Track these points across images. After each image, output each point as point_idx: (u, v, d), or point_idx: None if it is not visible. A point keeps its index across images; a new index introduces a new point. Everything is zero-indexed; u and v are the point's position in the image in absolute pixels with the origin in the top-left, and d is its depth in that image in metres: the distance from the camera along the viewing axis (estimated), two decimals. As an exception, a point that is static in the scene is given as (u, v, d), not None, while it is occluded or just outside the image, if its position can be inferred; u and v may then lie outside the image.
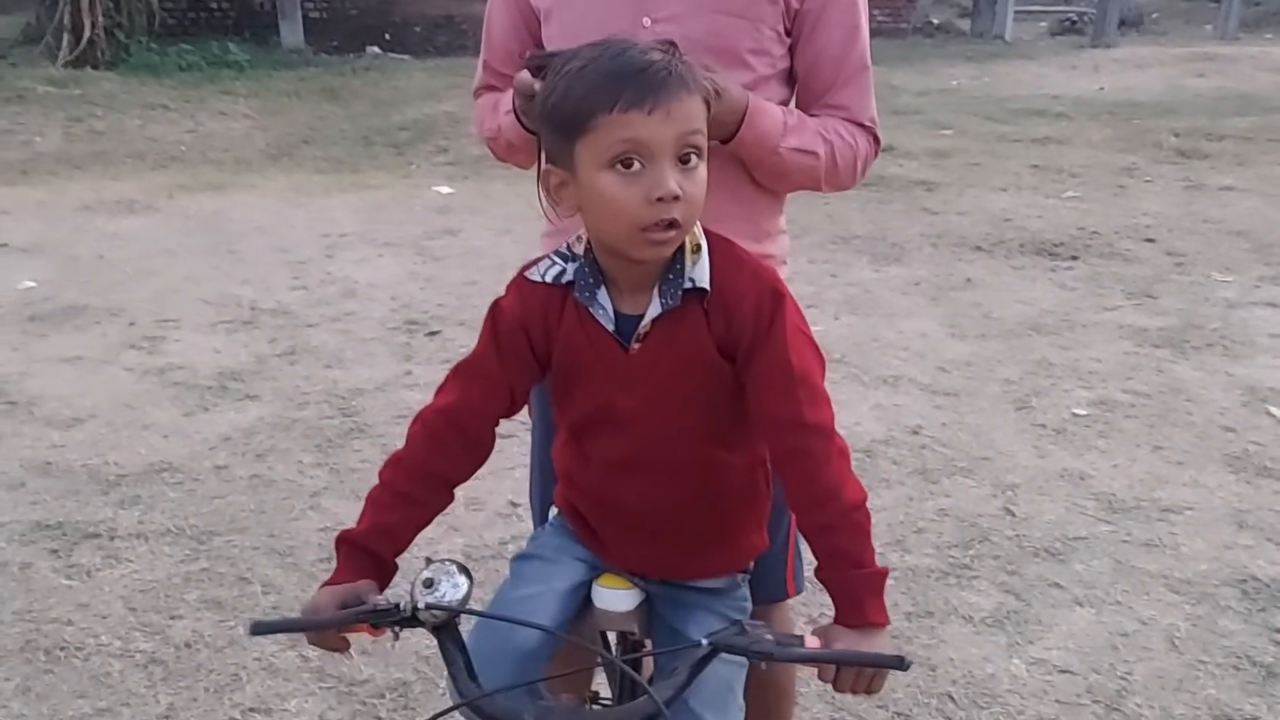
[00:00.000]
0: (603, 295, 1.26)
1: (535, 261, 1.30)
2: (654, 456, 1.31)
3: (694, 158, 1.15)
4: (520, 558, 1.47)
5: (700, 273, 1.23)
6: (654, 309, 1.24)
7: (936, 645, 2.53)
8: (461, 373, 1.32)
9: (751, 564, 1.46)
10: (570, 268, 1.27)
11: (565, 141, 1.15)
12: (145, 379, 4.04)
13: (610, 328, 1.26)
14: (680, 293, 1.23)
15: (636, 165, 1.12)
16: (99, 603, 2.66)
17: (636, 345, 1.26)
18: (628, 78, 1.11)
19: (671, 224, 1.15)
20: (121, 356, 4.24)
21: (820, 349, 1.29)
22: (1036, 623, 2.62)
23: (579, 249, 1.27)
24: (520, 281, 1.30)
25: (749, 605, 1.46)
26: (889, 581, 2.84)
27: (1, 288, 4.99)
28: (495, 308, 1.31)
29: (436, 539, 2.91)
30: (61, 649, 2.48)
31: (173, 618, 2.61)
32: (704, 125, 1.17)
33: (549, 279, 1.27)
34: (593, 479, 1.38)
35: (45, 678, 2.39)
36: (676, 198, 1.13)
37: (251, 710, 2.31)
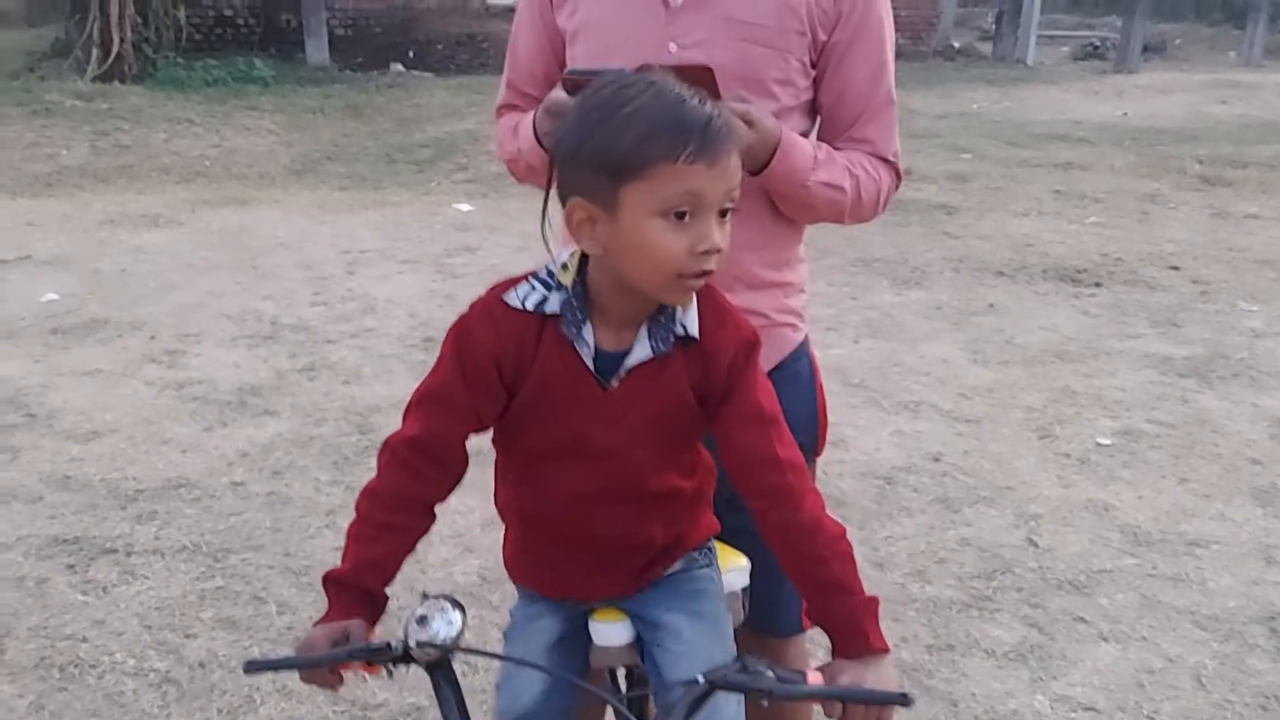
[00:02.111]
0: (588, 331, 1.23)
1: (511, 284, 1.25)
2: (619, 487, 1.30)
3: (730, 210, 1.16)
4: (504, 637, 1.45)
5: (691, 320, 1.24)
6: (642, 352, 1.23)
7: (958, 679, 2.49)
8: (426, 402, 1.27)
9: (711, 540, 1.45)
10: (554, 297, 1.23)
11: (609, 181, 1.12)
12: (165, 393, 4.04)
13: (591, 366, 1.24)
14: (672, 339, 1.23)
15: (687, 217, 1.12)
16: (114, 619, 2.65)
17: (616, 384, 1.24)
18: (692, 129, 1.10)
19: (706, 272, 1.16)
20: (142, 370, 4.25)
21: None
22: (1060, 658, 2.58)
23: (565, 279, 1.23)
24: (495, 306, 1.24)
25: (714, 579, 1.43)
26: (909, 613, 2.78)
27: (24, 300, 5.02)
28: (463, 333, 1.25)
29: (452, 560, 2.90)
30: (76, 666, 2.47)
31: (187, 636, 2.60)
32: (740, 179, 1.17)
33: (529, 306, 1.23)
34: (553, 509, 1.34)
35: (59, 695, 2.38)
36: (719, 250, 1.14)
37: (264, 732, 2.29)
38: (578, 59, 1.57)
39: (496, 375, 1.24)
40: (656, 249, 1.13)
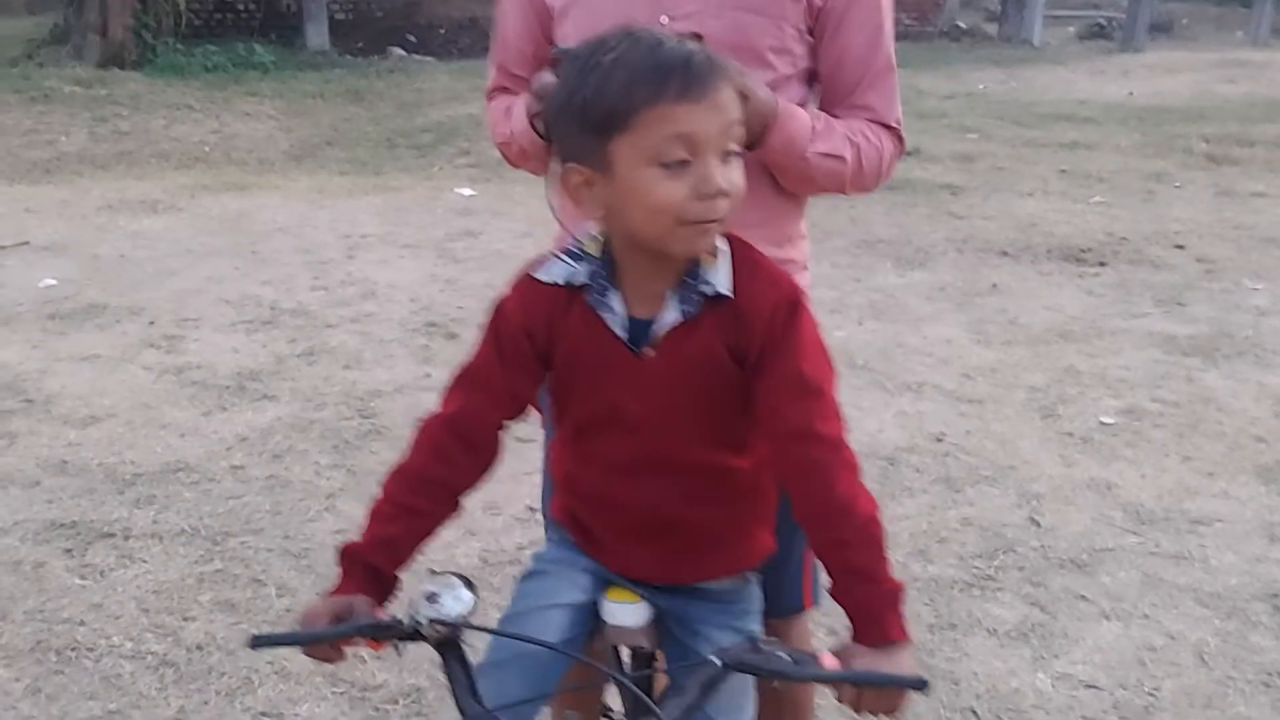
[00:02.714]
0: (616, 300, 1.21)
1: (543, 260, 1.26)
2: (659, 459, 1.27)
3: (735, 150, 1.12)
4: (525, 575, 1.43)
5: (720, 278, 1.19)
6: (671, 316, 1.20)
7: (959, 658, 2.48)
8: (464, 381, 1.28)
9: (760, 563, 1.41)
10: (582, 269, 1.22)
11: (597, 139, 1.10)
12: (164, 378, 4.03)
13: (623, 335, 1.22)
14: (700, 300, 1.19)
15: (684, 160, 1.09)
16: (112, 603, 2.64)
17: (649, 351, 1.22)
18: (672, 68, 1.07)
19: (715, 219, 1.12)
20: (140, 356, 4.24)
21: (832, 361, 1.24)
22: (1062, 636, 2.57)
23: (592, 249, 1.22)
24: (526, 282, 1.25)
25: (758, 607, 1.41)
26: (911, 592, 2.77)
27: (23, 286, 5.01)
28: (498, 311, 1.27)
29: (454, 543, 2.88)
30: (73, 649, 2.47)
31: (185, 619, 2.59)
32: (741, 116, 1.13)
33: (558, 280, 1.23)
34: (593, 481, 1.34)
35: (56, 678, 2.37)
36: (725, 193, 1.10)
37: (263, 715, 2.28)
38: (567, 36, 1.54)
39: (529, 348, 1.24)
40: (656, 200, 1.10)
